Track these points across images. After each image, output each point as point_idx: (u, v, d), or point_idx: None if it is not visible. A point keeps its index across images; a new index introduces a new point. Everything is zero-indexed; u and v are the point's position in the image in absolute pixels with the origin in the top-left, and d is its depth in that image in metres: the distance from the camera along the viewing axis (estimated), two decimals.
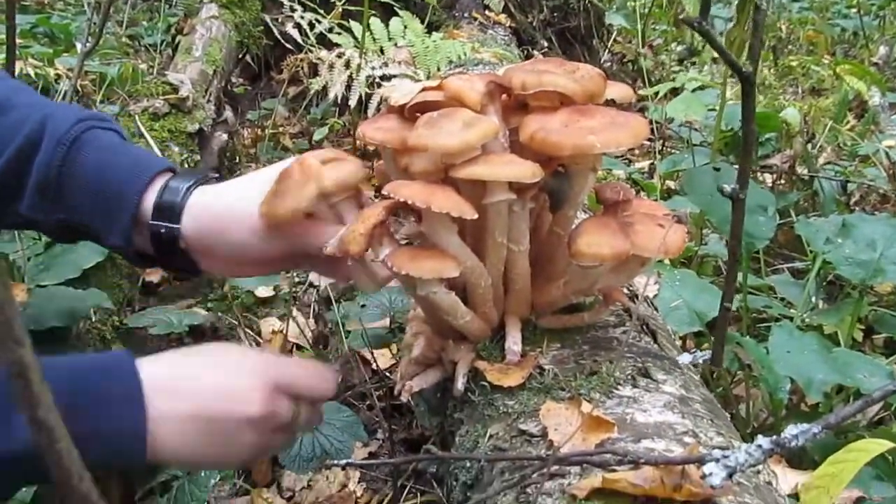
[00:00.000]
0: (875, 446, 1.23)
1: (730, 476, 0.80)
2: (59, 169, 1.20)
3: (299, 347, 2.13)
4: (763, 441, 0.81)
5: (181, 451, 1.00)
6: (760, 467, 0.96)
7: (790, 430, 0.80)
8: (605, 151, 1.01)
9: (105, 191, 1.20)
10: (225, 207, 1.19)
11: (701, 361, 1.04)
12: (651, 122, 3.08)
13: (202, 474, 1.54)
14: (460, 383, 1.12)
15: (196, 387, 1.01)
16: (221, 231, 1.18)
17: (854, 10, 5.12)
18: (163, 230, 1.19)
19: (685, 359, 1.02)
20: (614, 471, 0.87)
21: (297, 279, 2.32)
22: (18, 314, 0.44)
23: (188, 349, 1.10)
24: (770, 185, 2.85)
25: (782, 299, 2.14)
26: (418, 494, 1.73)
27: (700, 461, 0.82)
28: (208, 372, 1.04)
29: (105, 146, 1.24)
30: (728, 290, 1.10)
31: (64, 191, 1.22)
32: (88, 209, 1.21)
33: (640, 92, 3.23)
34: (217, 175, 1.27)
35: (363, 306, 1.85)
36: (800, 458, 1.58)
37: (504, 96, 1.14)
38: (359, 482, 1.81)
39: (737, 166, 2.69)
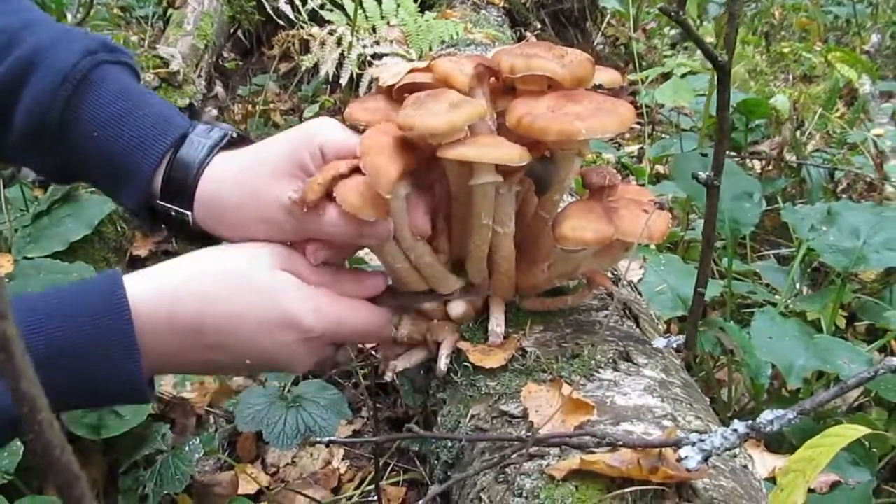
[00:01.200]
0: (852, 432, 1.25)
1: (705, 459, 0.81)
2: (62, 111, 1.06)
3: None
4: (739, 425, 0.82)
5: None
6: (737, 451, 0.98)
7: (766, 416, 0.81)
8: (591, 137, 1.01)
9: (116, 152, 1.08)
10: (236, 195, 1.07)
11: (674, 345, 1.05)
12: (641, 107, 3.09)
13: (186, 449, 1.55)
14: (443, 364, 1.13)
15: (239, 346, 0.97)
16: (233, 225, 1.07)
17: None
18: (173, 213, 1.09)
19: (660, 343, 1.03)
20: (592, 452, 0.88)
21: None
22: (3, 287, 0.45)
23: (201, 266, 1.00)
24: (758, 171, 2.86)
25: (767, 285, 2.16)
26: (401, 472, 1.75)
27: (677, 444, 0.84)
28: (253, 333, 0.97)
29: (119, 93, 1.10)
30: (702, 275, 1.11)
31: (67, 139, 1.09)
32: (95, 166, 1.10)
33: (631, 77, 3.23)
34: (239, 134, 1.14)
35: None
36: (779, 443, 1.60)
37: (493, 79, 1.14)
38: (343, 459, 1.83)
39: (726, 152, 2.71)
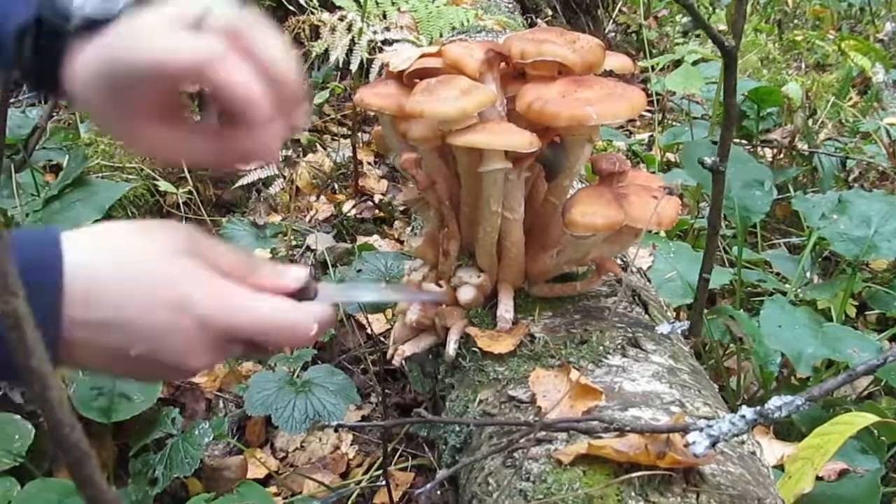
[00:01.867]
0: (860, 420, 1.25)
1: (713, 445, 0.81)
2: None
3: None
4: (747, 412, 0.82)
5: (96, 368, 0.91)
6: (745, 438, 0.98)
7: (774, 402, 0.81)
8: (602, 122, 1.01)
9: None
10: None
11: (679, 331, 1.05)
12: (652, 95, 3.08)
13: (196, 433, 1.56)
14: (452, 349, 1.14)
15: (124, 327, 0.83)
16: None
17: None
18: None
19: (664, 328, 1.03)
20: (600, 438, 0.88)
21: (294, 243, 2.33)
22: (14, 267, 0.45)
23: (118, 242, 0.87)
24: (770, 159, 2.85)
25: (777, 274, 2.15)
26: (410, 458, 1.75)
27: (685, 430, 0.83)
28: (147, 310, 0.84)
29: None
30: (707, 261, 1.10)
31: None
32: None
33: (642, 64, 3.22)
34: None
35: (359, 271, 1.86)
36: (788, 431, 1.60)
37: (503, 65, 1.14)
38: (351, 444, 1.83)
39: (737, 140, 2.70)
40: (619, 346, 1.09)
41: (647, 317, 1.21)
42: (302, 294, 0.93)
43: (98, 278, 0.83)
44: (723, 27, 4.19)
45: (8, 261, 0.44)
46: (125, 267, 0.85)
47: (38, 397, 0.46)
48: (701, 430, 0.82)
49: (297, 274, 0.92)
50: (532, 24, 3.50)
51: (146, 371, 0.88)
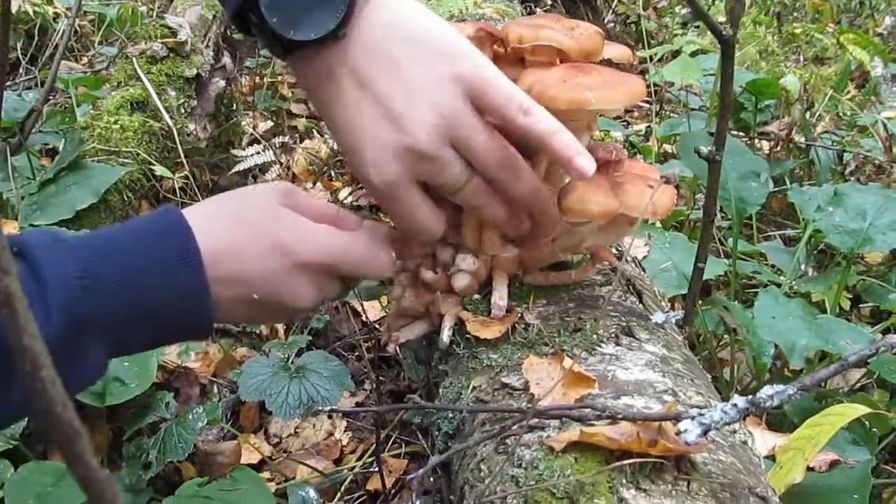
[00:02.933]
0: (852, 411, 1.26)
1: (705, 433, 0.82)
2: None
3: None
4: (739, 400, 0.82)
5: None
6: (737, 427, 0.98)
7: (766, 391, 0.81)
8: (601, 108, 1.01)
9: None
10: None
11: (673, 320, 1.05)
12: (650, 85, 3.08)
13: (189, 417, 1.56)
14: (446, 335, 1.14)
15: (242, 277, 0.96)
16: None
17: None
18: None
19: (659, 317, 1.03)
20: (592, 425, 0.89)
21: None
22: (6, 243, 0.45)
23: (231, 206, 1.02)
24: (767, 151, 2.85)
25: (772, 266, 2.16)
26: (403, 445, 1.76)
27: (676, 418, 0.84)
28: (256, 261, 0.97)
29: None
30: (702, 250, 1.10)
31: None
32: None
33: (640, 54, 3.21)
34: None
35: None
36: (780, 422, 1.61)
37: (502, 49, 1.13)
38: (345, 431, 1.84)
39: (734, 132, 2.70)
40: (612, 335, 1.09)
41: (641, 306, 1.22)
42: None
43: (217, 239, 0.95)
44: (722, 19, 4.18)
45: (1, 238, 0.44)
46: (234, 222, 0.98)
47: (29, 376, 0.46)
48: (693, 418, 0.82)
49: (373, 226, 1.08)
50: (531, 13, 3.49)
51: (273, 313, 1.05)
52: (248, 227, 0.98)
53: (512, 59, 1.11)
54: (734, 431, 0.98)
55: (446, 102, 0.95)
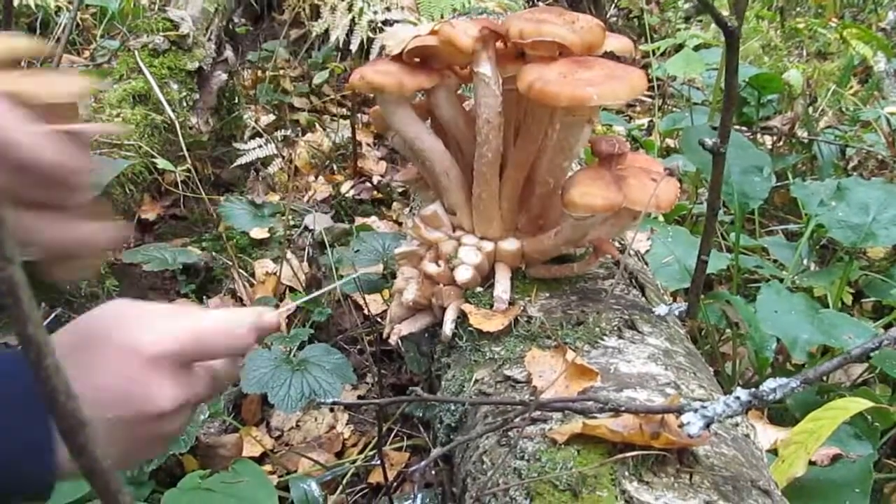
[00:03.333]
0: (854, 405, 1.25)
1: (707, 426, 0.82)
2: None
3: (292, 290, 2.15)
4: (741, 393, 0.82)
5: None
6: (739, 420, 0.98)
7: (769, 384, 0.81)
8: (603, 103, 1.01)
9: None
10: None
11: (676, 313, 1.05)
12: (653, 80, 3.07)
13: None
14: (448, 328, 1.14)
15: (94, 396, 0.80)
16: None
17: None
18: None
19: (661, 310, 1.03)
20: (595, 418, 0.89)
21: (292, 222, 2.32)
22: (10, 233, 0.45)
23: (70, 336, 0.84)
24: (770, 146, 2.85)
25: (775, 261, 2.16)
26: (405, 438, 1.75)
27: (679, 411, 0.84)
28: (99, 373, 0.81)
29: None
30: (705, 243, 1.10)
31: None
32: None
33: (643, 48, 3.21)
34: None
35: (357, 251, 1.86)
36: (782, 416, 1.61)
37: (501, 44, 1.13)
38: (347, 424, 1.84)
39: (737, 127, 2.69)
40: (615, 328, 1.09)
41: (643, 299, 1.22)
42: None
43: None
44: (726, 13, 4.17)
45: (4, 228, 0.44)
46: (85, 341, 0.82)
47: (34, 365, 0.46)
48: (695, 410, 0.82)
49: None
50: (533, 7, 3.48)
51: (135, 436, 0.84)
52: (89, 348, 0.83)
53: (512, 54, 1.11)
54: (736, 425, 0.98)
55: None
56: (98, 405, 0.80)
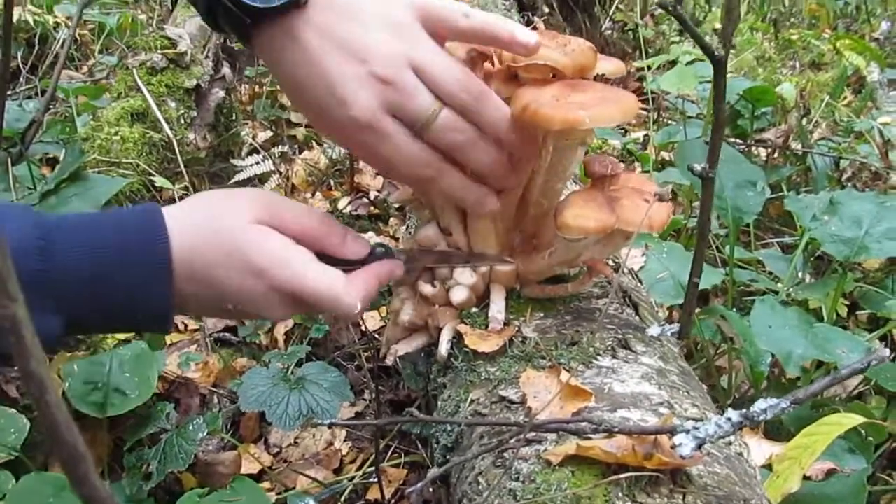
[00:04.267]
0: (847, 420, 1.27)
1: (699, 447, 0.83)
2: None
3: None
4: (733, 414, 0.83)
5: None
6: (732, 439, 0.99)
7: (759, 405, 0.83)
8: (595, 126, 1.02)
9: None
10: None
11: (668, 334, 1.06)
12: (647, 93, 3.09)
13: (190, 428, 1.57)
14: (444, 348, 1.15)
15: (215, 287, 1.00)
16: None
17: None
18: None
19: (654, 330, 1.04)
20: (589, 438, 0.90)
21: None
22: (12, 272, 0.46)
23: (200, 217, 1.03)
24: (764, 158, 2.86)
25: (770, 273, 2.17)
26: (402, 454, 1.76)
27: (671, 432, 0.85)
28: (227, 278, 1.00)
29: None
30: (696, 266, 1.12)
31: None
32: None
33: (637, 64, 3.23)
34: None
35: None
36: (778, 430, 1.62)
37: (496, 65, 1.14)
38: (345, 441, 1.85)
39: (732, 139, 2.71)
40: (609, 348, 1.10)
41: (637, 318, 1.23)
42: (367, 261, 1.09)
43: (195, 246, 0.98)
44: (718, 25, 4.19)
45: (7, 266, 0.45)
46: (211, 234, 1.00)
47: (36, 399, 0.47)
48: (687, 432, 0.83)
49: (357, 249, 1.09)
50: (529, 22, 3.50)
51: (243, 316, 1.17)
52: (218, 243, 1.00)
53: (505, 75, 1.13)
54: (729, 443, 0.99)
55: (399, 28, 1.03)
56: (219, 296, 1.01)
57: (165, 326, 1.02)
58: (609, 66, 1.14)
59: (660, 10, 4.72)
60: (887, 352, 0.85)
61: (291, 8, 1.02)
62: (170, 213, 1.00)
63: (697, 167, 0.98)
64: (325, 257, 1.06)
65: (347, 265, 1.08)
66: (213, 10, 1.07)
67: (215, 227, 1.00)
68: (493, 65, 1.14)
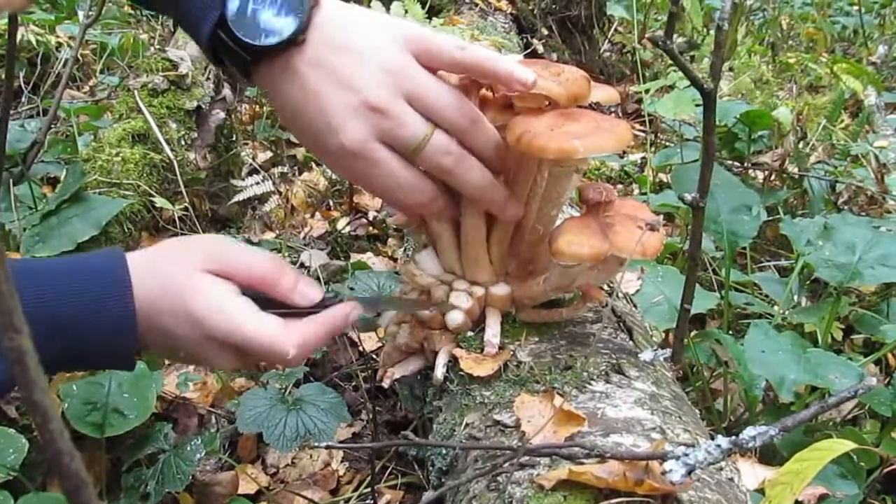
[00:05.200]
0: (839, 446, 1.27)
1: (689, 473, 0.84)
2: None
3: None
4: (722, 441, 0.85)
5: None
6: (723, 464, 1.00)
7: (748, 432, 0.84)
8: (589, 155, 1.04)
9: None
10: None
11: (661, 359, 1.08)
12: (645, 115, 3.11)
13: (188, 448, 1.58)
14: (440, 372, 1.16)
15: (169, 334, 1.03)
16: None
17: (855, 7, 5.12)
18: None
19: (647, 356, 1.06)
20: (582, 463, 0.91)
21: (289, 259, 2.35)
22: (18, 304, 0.48)
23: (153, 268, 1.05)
24: (761, 181, 2.88)
25: (766, 296, 2.18)
26: (399, 475, 1.77)
27: (662, 458, 0.86)
28: (175, 326, 1.03)
29: None
30: (688, 292, 1.13)
31: None
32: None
33: (635, 89, 3.25)
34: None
35: (352, 289, 1.88)
36: (772, 453, 1.63)
37: (490, 93, 1.16)
38: (342, 461, 1.85)
39: (729, 162, 2.73)
40: (602, 373, 1.11)
41: (631, 343, 1.24)
42: (320, 308, 1.09)
43: (151, 296, 1.01)
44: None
45: (12, 299, 0.46)
46: (162, 284, 1.03)
47: (39, 428, 0.48)
48: (678, 458, 0.85)
49: (309, 295, 1.09)
50: (528, 45, 3.53)
51: (195, 363, 1.24)
52: (168, 293, 1.03)
53: (501, 103, 1.14)
54: (721, 468, 1.00)
55: (391, 58, 1.07)
56: (172, 343, 1.04)
57: (130, 368, 1.07)
58: (602, 94, 1.16)
59: (659, 32, 4.76)
60: (874, 380, 0.87)
61: (290, 46, 1.06)
62: (133, 260, 1.03)
63: (688, 196, 1.00)
64: (278, 304, 1.07)
65: (302, 312, 1.08)
66: (215, 47, 1.10)
67: (166, 276, 1.04)
68: (492, 92, 1.16)
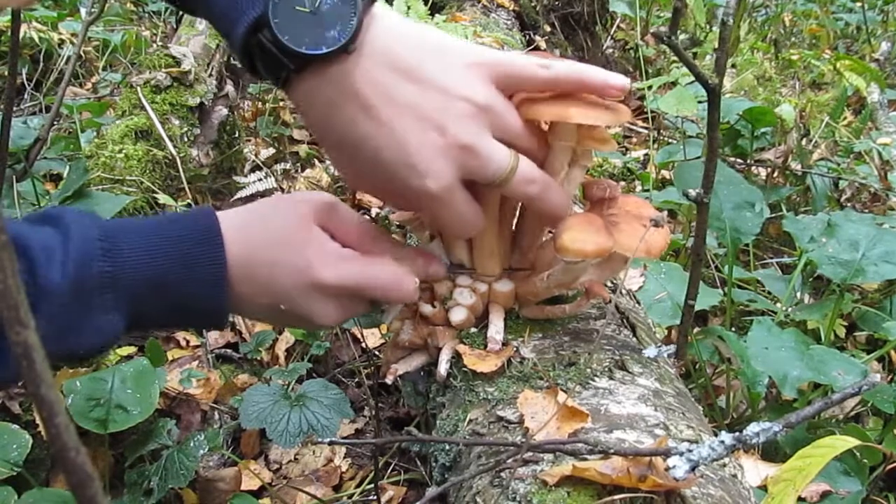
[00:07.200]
0: (842, 443, 1.27)
1: (693, 469, 0.84)
2: None
3: None
4: (726, 437, 0.85)
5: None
6: (727, 460, 1.00)
7: (752, 428, 0.84)
8: (584, 122, 1.04)
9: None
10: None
11: (665, 355, 1.08)
12: (648, 112, 3.11)
13: (191, 444, 1.58)
14: (443, 368, 1.16)
15: (271, 287, 1.03)
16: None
17: (858, 4, 5.12)
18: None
19: (651, 352, 1.06)
20: (585, 459, 0.91)
21: None
22: (24, 298, 0.48)
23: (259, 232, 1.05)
24: (764, 178, 2.88)
25: (769, 293, 2.18)
26: (402, 472, 1.77)
27: (666, 454, 0.86)
28: (282, 276, 1.02)
29: None
30: (692, 288, 1.13)
31: None
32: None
33: (637, 85, 3.25)
34: None
35: None
36: (775, 450, 1.63)
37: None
38: (344, 457, 1.86)
39: (732, 159, 2.73)
40: (606, 369, 1.11)
41: (634, 339, 1.24)
42: None
43: (253, 244, 1.02)
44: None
45: (19, 293, 0.46)
46: (271, 234, 1.04)
47: (45, 422, 0.48)
48: (681, 454, 0.85)
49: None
50: (530, 41, 3.53)
51: (294, 320, 1.09)
52: (282, 244, 1.03)
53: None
54: (724, 465, 1.00)
55: (478, 91, 1.00)
56: (273, 296, 1.03)
57: (221, 325, 1.06)
58: None
59: (662, 29, 4.75)
60: (877, 377, 0.87)
61: (339, 58, 0.97)
62: (230, 216, 1.03)
63: (692, 192, 1.00)
64: None
65: None
66: (250, 52, 1.00)
67: (271, 228, 1.04)
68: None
